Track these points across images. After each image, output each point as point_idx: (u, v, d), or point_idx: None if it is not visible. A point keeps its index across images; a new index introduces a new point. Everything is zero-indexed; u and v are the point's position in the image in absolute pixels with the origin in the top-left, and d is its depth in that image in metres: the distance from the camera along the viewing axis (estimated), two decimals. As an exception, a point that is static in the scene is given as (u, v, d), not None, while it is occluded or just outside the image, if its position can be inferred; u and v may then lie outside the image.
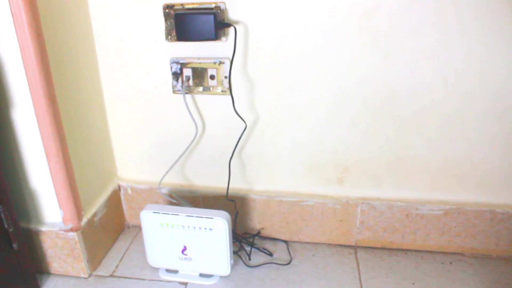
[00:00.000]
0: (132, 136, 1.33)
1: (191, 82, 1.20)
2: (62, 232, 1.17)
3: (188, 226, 1.13)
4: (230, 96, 1.20)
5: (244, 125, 1.23)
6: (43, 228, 1.18)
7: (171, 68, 1.19)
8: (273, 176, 1.31)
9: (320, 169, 1.27)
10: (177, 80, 1.20)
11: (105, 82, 1.26)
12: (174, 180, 1.36)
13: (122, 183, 1.39)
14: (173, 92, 1.22)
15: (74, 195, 1.16)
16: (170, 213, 1.13)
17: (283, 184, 1.31)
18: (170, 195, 1.36)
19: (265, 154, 1.28)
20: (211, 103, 1.23)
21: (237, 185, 1.33)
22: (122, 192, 1.40)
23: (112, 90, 1.27)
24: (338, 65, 1.13)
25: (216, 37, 1.08)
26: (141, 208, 1.31)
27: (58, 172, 1.11)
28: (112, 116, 1.31)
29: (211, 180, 1.34)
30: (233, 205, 1.32)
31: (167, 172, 1.29)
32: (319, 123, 1.21)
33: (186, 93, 1.22)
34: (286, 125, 1.23)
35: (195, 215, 1.12)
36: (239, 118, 1.21)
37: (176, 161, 1.29)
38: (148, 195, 1.39)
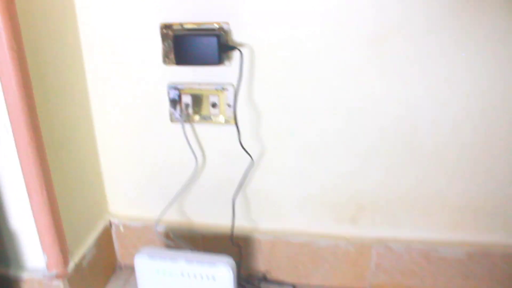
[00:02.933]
0: (125, 168, 1.25)
1: (190, 110, 1.12)
2: (46, 279, 1.07)
3: (188, 274, 1.02)
4: (233, 126, 1.12)
5: (249, 159, 1.15)
6: (24, 275, 1.08)
7: (169, 94, 1.11)
8: (280, 213, 1.23)
9: (332, 206, 1.20)
10: (175, 108, 1.11)
11: (95, 108, 1.19)
12: (171, 216, 1.27)
13: (113, 220, 1.31)
14: (171, 120, 1.15)
15: (60, 237, 1.06)
16: (167, 258, 1.03)
17: (291, 223, 1.24)
18: (167, 235, 1.27)
19: (272, 189, 1.21)
20: (212, 134, 1.16)
21: (241, 223, 1.25)
22: (113, 229, 1.31)
23: (103, 117, 1.19)
24: (352, 93, 1.06)
25: (219, 61, 0.99)
26: (134, 247, 1.27)
27: (41, 212, 1.01)
28: (103, 146, 1.23)
29: (212, 217, 1.26)
30: (238, 250, 1.24)
31: (164, 211, 1.21)
32: (331, 156, 1.14)
33: (185, 122, 1.14)
34: (295, 158, 1.16)
35: (195, 261, 1.01)
36: (243, 150, 1.13)
37: (174, 199, 1.21)
38: (142, 233, 1.30)
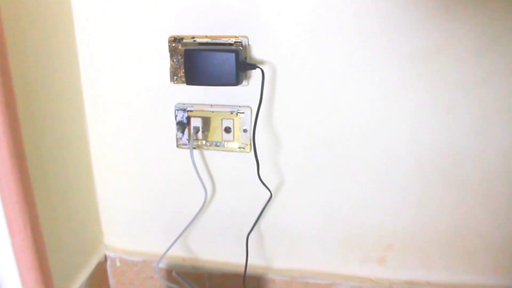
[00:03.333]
0: (123, 196, 1.14)
1: (200, 134, 1.00)
2: (28, 330, 0.94)
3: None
4: (248, 154, 1.02)
5: (264, 190, 1.04)
6: (2, 325, 0.95)
7: (176, 116, 1.00)
8: (298, 251, 1.13)
9: (357, 245, 1.10)
10: (182, 132, 1.00)
11: (91, 130, 1.09)
12: (174, 251, 1.16)
13: (109, 253, 1.19)
14: (177, 146, 1.03)
15: (45, 280, 0.93)
16: (170, 307, 0.90)
17: (310, 262, 1.13)
18: (169, 273, 1.16)
19: (289, 224, 1.10)
20: (224, 162, 1.05)
21: (253, 261, 1.14)
22: (108, 263, 1.20)
23: (100, 140, 1.10)
24: (387, 119, 0.97)
25: (237, 82, 0.87)
26: (132, 284, 1.18)
27: (24, 252, 0.89)
28: (100, 173, 1.13)
29: (220, 254, 1.16)
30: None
31: (169, 248, 1.09)
32: (359, 190, 1.04)
33: (194, 148, 1.02)
34: (317, 191, 1.05)
35: (203, 312, 0.88)
36: (259, 181, 1.02)
37: (180, 235, 1.09)
38: (141, 269, 1.18)
